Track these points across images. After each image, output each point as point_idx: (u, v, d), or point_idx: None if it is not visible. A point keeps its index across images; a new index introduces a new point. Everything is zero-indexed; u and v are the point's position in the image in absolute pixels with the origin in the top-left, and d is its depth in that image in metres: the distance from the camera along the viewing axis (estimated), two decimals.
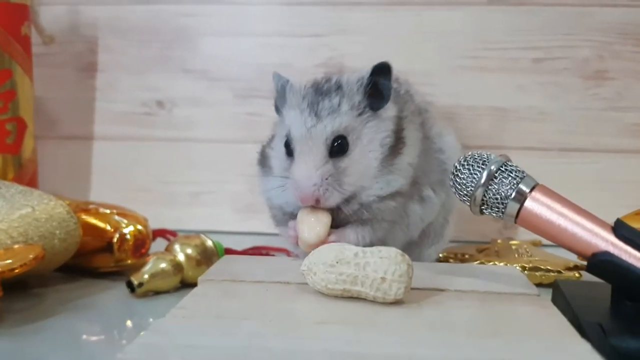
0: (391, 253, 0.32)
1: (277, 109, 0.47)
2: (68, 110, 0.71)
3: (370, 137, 0.43)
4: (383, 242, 0.44)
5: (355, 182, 0.42)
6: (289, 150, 0.43)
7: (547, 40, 0.64)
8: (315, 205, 0.42)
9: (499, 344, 0.28)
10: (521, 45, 0.64)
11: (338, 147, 0.42)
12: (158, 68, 0.69)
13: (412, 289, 0.35)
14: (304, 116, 0.42)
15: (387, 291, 0.32)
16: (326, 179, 0.41)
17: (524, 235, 0.64)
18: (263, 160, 0.48)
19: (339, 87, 0.43)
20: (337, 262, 0.33)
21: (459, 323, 0.31)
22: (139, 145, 0.70)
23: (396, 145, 0.44)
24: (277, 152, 0.46)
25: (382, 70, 0.43)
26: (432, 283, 0.36)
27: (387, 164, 0.43)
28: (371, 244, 0.40)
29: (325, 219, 0.42)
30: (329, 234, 0.42)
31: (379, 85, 0.43)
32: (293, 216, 0.44)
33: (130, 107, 0.70)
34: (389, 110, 0.44)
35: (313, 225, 0.41)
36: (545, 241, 0.58)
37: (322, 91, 0.43)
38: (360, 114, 0.43)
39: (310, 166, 0.41)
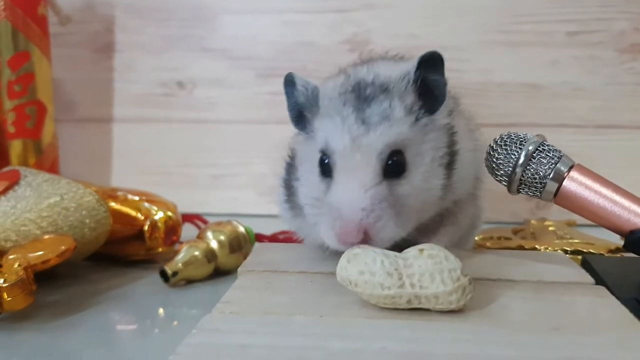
0: (450, 265, 0.29)
1: (301, 122, 0.37)
2: (85, 92, 0.70)
3: (432, 155, 0.34)
4: None
5: (415, 215, 0.34)
6: (325, 169, 0.34)
7: (582, 12, 0.62)
8: (361, 244, 0.31)
9: (563, 341, 0.26)
10: (555, 18, 0.62)
11: (394, 165, 0.32)
12: (177, 47, 0.68)
13: None
14: (348, 124, 0.33)
15: (452, 302, 0.29)
16: (379, 203, 0.31)
17: (556, 214, 0.63)
18: (291, 198, 0.38)
19: (385, 88, 0.34)
20: (388, 288, 0.28)
21: (519, 317, 0.29)
22: (160, 128, 0.69)
23: (451, 160, 0.35)
24: (307, 181, 0.36)
25: (432, 62, 0.34)
26: (481, 272, 0.35)
27: (446, 187, 0.35)
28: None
29: None
30: None
31: (428, 82, 0.34)
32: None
33: (149, 88, 0.69)
34: (443, 114, 0.35)
35: None
36: (580, 221, 0.58)
37: (365, 96, 0.33)
38: (417, 120, 0.34)
39: (356, 186, 0.31)
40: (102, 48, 0.69)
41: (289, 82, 0.37)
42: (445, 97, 0.35)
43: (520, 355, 0.25)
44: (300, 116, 0.37)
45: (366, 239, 0.31)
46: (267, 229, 0.55)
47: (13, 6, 0.56)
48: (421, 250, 0.29)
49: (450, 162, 0.35)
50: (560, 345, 0.26)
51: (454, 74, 0.62)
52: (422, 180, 0.33)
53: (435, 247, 0.29)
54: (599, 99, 0.62)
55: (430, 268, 0.28)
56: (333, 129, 0.33)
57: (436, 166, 0.34)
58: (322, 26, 0.65)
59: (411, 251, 0.29)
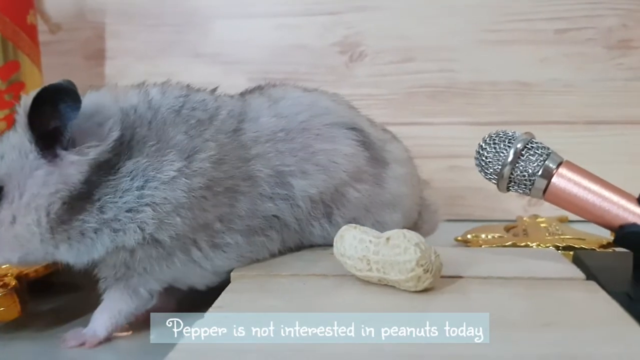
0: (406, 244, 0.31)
1: None
2: None
3: (33, 193, 0.32)
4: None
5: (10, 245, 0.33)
6: None
7: (571, 10, 0.62)
8: None
9: (555, 337, 0.26)
10: (544, 16, 0.62)
11: None
12: (169, 53, 0.68)
13: (455, 277, 0.34)
14: None
15: (410, 287, 0.31)
16: None
17: (549, 211, 0.63)
18: None
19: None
20: (360, 270, 0.33)
21: (511, 314, 0.29)
22: None
23: (86, 198, 0.32)
24: None
25: (57, 95, 0.31)
26: (473, 270, 0.35)
27: (65, 227, 0.32)
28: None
29: None
30: None
31: (59, 117, 0.32)
32: None
33: None
34: (90, 150, 0.32)
35: None
36: (571, 217, 0.58)
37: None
38: (27, 156, 0.32)
39: None
40: (93, 55, 0.69)
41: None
42: (68, 135, 0.32)
43: (512, 351, 0.25)
44: None
45: None
46: None
47: (2, 15, 0.56)
48: (388, 239, 0.32)
49: (82, 199, 0.32)
50: (552, 342, 0.26)
51: (446, 74, 0.63)
52: (14, 212, 0.32)
53: (401, 237, 0.31)
54: (589, 96, 0.63)
55: (390, 259, 0.31)
56: None
57: (42, 202, 0.32)
58: (313, 29, 0.65)
59: (384, 237, 0.32)
